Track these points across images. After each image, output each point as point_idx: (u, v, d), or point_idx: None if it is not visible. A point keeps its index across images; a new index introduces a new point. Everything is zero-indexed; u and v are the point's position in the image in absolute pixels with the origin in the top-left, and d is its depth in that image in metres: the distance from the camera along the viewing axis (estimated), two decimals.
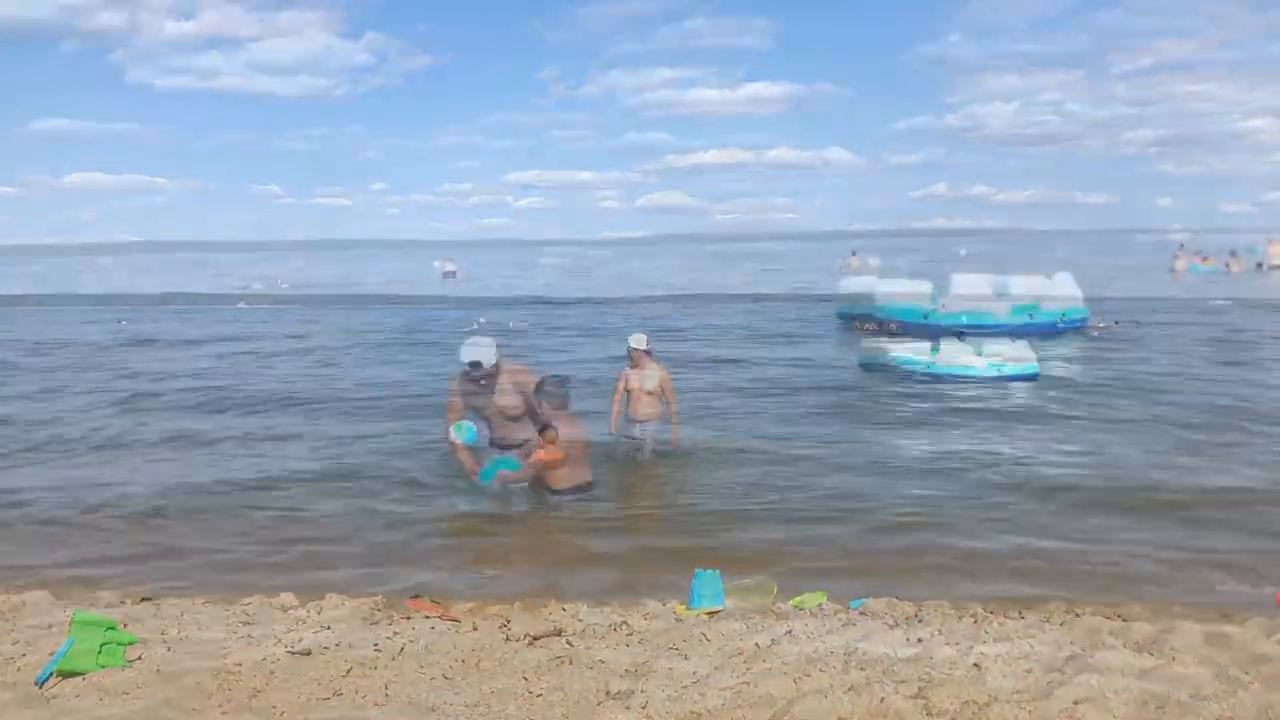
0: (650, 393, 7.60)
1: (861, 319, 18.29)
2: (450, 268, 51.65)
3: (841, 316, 19.69)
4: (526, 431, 6.62)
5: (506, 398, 6.60)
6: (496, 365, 6.45)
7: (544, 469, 6.45)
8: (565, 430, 6.54)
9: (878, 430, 9.13)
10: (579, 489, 6.60)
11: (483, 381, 6.40)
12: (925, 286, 17.54)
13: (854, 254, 54.23)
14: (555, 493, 6.52)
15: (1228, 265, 33.82)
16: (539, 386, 6.56)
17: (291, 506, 6.81)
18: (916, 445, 8.45)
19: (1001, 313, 16.31)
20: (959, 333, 16.18)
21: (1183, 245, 39.20)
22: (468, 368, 6.37)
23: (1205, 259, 36.95)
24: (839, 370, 13.28)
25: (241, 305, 29.81)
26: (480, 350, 6.37)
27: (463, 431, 6.50)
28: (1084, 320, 16.97)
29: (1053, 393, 11.50)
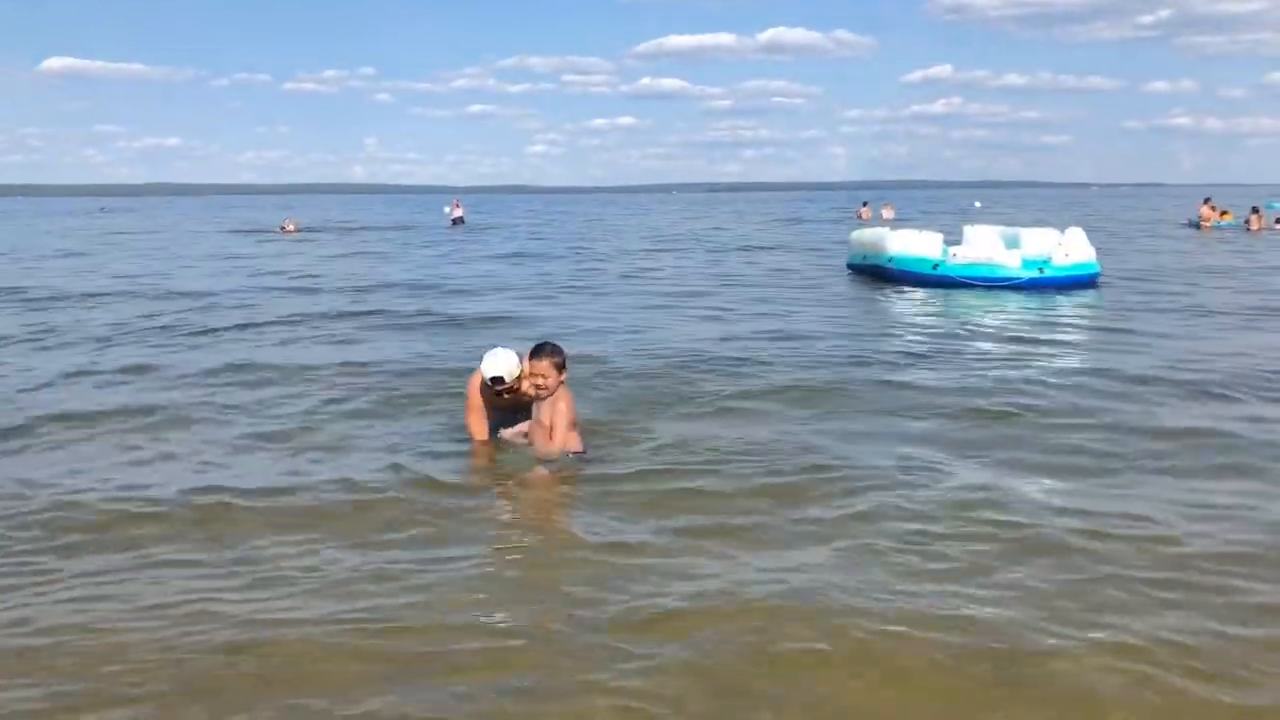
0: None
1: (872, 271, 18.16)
2: (458, 212, 50.25)
3: (852, 267, 19.54)
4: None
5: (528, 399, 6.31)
6: (519, 377, 6.11)
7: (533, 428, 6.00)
8: (554, 406, 5.99)
9: None
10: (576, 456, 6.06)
11: (506, 395, 6.15)
12: (936, 238, 17.27)
13: (865, 204, 53.89)
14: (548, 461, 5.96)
15: (1248, 222, 33.24)
16: (532, 353, 5.96)
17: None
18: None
19: (1011, 265, 16.10)
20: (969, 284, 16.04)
21: (1209, 199, 38.48)
22: (489, 380, 6.08)
23: (1224, 213, 36.40)
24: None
25: None
26: (502, 364, 6.04)
27: None
28: (1096, 276, 16.74)
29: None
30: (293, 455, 6.55)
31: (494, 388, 6.06)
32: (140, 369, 9.68)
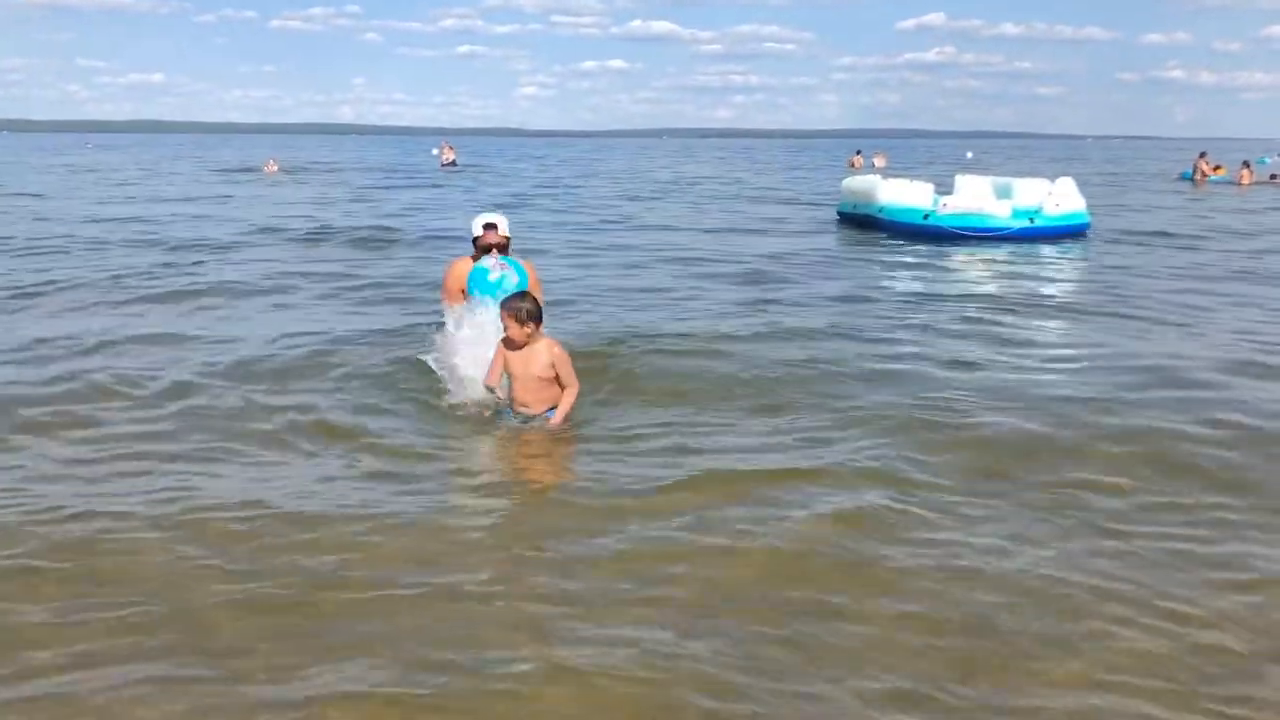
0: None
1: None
2: (450, 156, 49.38)
3: (842, 215, 19.40)
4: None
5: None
6: (509, 241, 6.16)
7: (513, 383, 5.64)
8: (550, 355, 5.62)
9: None
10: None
11: (495, 252, 6.04)
12: (927, 187, 17.15)
13: (858, 152, 53.53)
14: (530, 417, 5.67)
15: (1240, 177, 33.18)
16: (525, 312, 5.53)
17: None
18: None
19: (1001, 215, 16.02)
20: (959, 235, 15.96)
21: (1204, 153, 38.29)
22: (481, 230, 6.03)
23: (1217, 167, 36.28)
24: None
25: None
26: (496, 216, 6.10)
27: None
28: (1086, 226, 16.71)
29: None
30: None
31: (484, 238, 6.01)
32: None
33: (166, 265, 12.60)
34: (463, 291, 6.28)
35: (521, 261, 6.32)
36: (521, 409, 5.66)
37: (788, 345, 7.96)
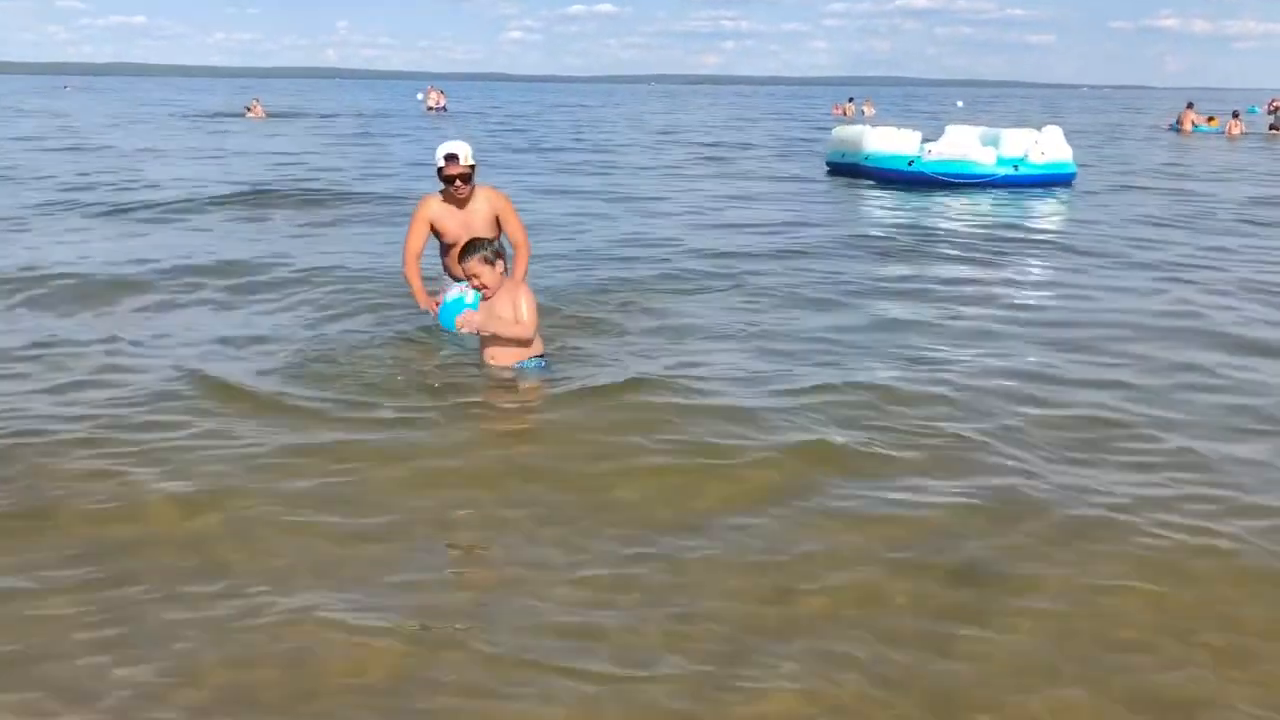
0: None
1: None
2: (438, 100, 48.64)
3: (831, 164, 19.27)
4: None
5: (478, 217, 6.10)
6: (473, 170, 6.03)
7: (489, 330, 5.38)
8: (514, 296, 5.42)
9: None
10: (540, 358, 5.60)
11: (458, 183, 5.93)
12: (914, 136, 17.11)
13: (850, 100, 53.25)
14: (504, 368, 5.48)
15: (1230, 129, 33.17)
16: (465, 248, 5.39)
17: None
18: None
19: (986, 162, 16.04)
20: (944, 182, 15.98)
21: (1192, 104, 38.20)
22: (443, 161, 5.91)
23: (1210, 119, 36.20)
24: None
25: None
26: (458, 145, 5.97)
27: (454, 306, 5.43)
28: (1072, 175, 16.73)
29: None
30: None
31: (447, 169, 5.92)
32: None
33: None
34: (433, 225, 6.16)
35: (493, 192, 6.26)
36: (492, 361, 5.48)
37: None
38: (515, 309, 5.37)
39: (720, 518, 3.99)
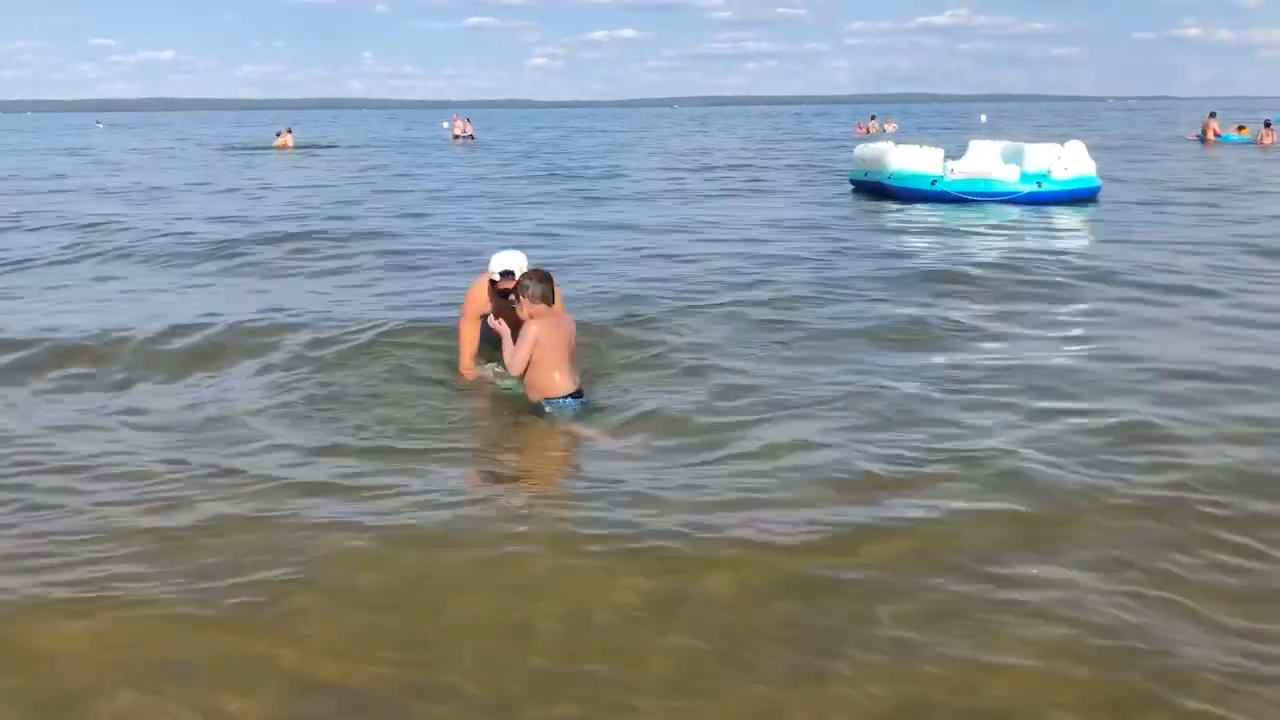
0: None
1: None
2: (463, 129, 48.76)
3: (854, 183, 19.39)
4: None
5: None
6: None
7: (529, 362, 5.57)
8: (555, 328, 5.62)
9: None
10: (574, 396, 5.67)
11: (512, 297, 5.95)
12: (937, 153, 17.13)
13: (873, 118, 53.33)
14: (550, 400, 5.63)
15: (1261, 137, 32.75)
16: (518, 285, 5.64)
17: None
18: None
19: (1009, 180, 16.03)
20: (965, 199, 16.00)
21: (1214, 114, 37.67)
22: (498, 276, 6.00)
23: (1240, 127, 35.75)
24: None
25: None
26: (513, 259, 6.04)
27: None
28: (1097, 190, 16.70)
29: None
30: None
31: (501, 284, 5.99)
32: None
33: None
34: (482, 316, 6.30)
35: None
36: (558, 391, 5.59)
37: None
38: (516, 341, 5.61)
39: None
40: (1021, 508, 4.31)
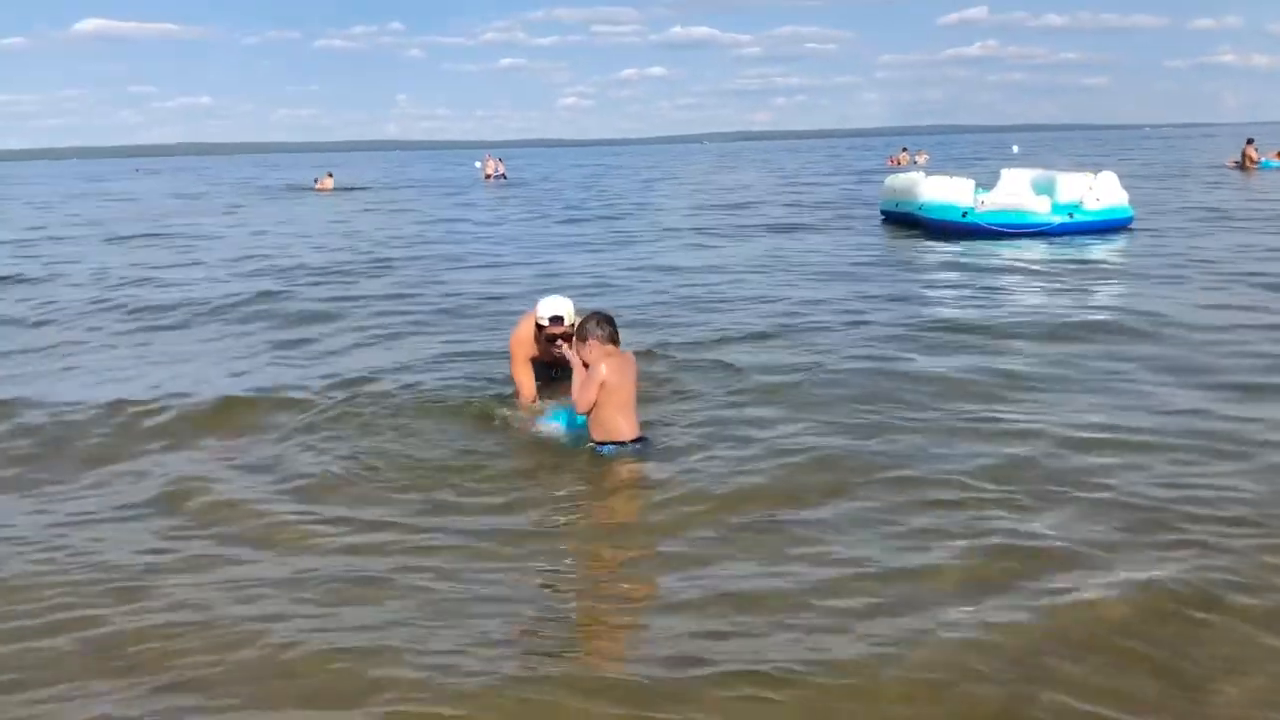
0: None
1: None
2: (496, 169, 49.19)
3: (885, 213, 19.44)
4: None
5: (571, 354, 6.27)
6: (572, 324, 6.05)
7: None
8: (622, 370, 5.61)
9: None
10: (638, 441, 5.62)
11: (560, 342, 6.03)
12: (967, 184, 17.08)
13: (904, 150, 53.39)
14: (613, 444, 5.57)
15: None
16: (579, 329, 5.69)
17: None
18: None
19: (1041, 211, 15.95)
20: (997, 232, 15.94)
21: (1251, 140, 37.07)
22: (547, 321, 6.08)
23: (1279, 154, 35.12)
24: None
25: None
26: (562, 305, 6.12)
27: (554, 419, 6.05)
28: (1129, 220, 16.56)
29: None
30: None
31: (550, 329, 6.02)
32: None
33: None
34: (530, 359, 6.37)
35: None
36: (621, 436, 5.56)
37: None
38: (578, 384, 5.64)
39: None
40: None
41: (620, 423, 5.51)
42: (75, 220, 27.55)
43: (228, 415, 6.76)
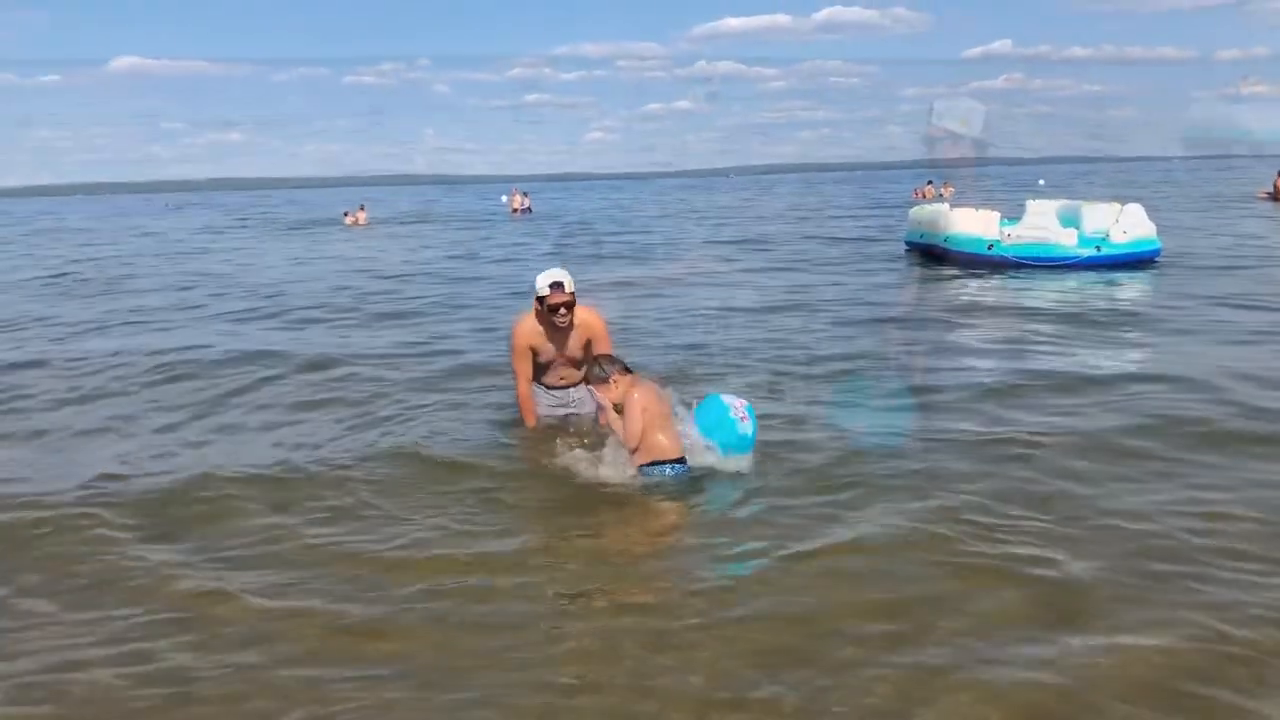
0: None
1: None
2: (521, 202, 49.34)
3: (909, 244, 19.45)
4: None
5: (573, 340, 6.26)
6: (574, 298, 6.00)
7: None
8: (652, 393, 5.61)
9: None
10: (679, 462, 5.59)
11: (562, 311, 5.94)
12: (992, 216, 17.01)
13: (929, 183, 53.30)
14: (658, 464, 5.56)
15: None
16: (592, 376, 5.68)
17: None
18: None
19: (1068, 244, 15.88)
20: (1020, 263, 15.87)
21: None
22: (547, 290, 5.91)
23: None
24: None
25: None
26: (559, 273, 5.98)
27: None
28: (1157, 253, 16.44)
29: None
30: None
31: (551, 298, 5.91)
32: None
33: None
34: (531, 349, 6.25)
35: (589, 314, 6.27)
36: (667, 454, 5.55)
37: None
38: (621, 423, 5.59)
39: None
40: None
41: (662, 440, 5.52)
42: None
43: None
